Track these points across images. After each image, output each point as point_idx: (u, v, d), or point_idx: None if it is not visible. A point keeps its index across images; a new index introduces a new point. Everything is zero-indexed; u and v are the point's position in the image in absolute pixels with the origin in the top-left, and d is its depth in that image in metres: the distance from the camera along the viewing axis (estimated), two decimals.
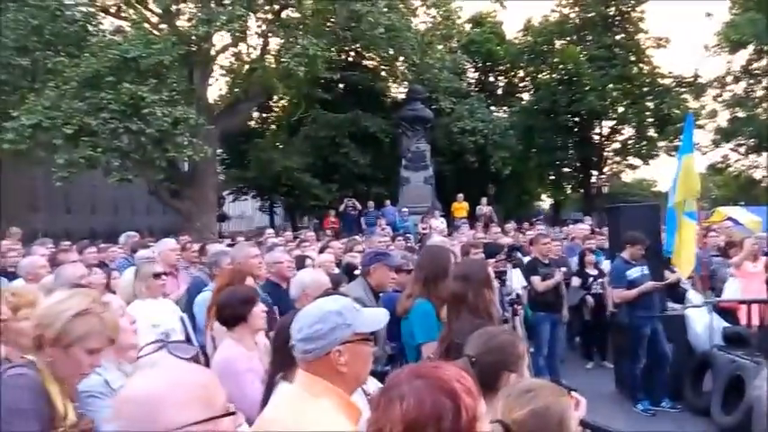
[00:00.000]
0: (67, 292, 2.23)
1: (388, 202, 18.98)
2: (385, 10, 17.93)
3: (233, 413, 1.23)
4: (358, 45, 23.36)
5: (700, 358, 6.51)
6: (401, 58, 21.31)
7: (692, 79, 30.17)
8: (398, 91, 28.59)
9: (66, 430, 1.97)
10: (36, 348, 2.07)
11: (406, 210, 17.85)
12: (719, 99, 30.12)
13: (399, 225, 15.90)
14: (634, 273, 6.59)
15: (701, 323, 6.68)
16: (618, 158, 32.93)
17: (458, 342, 2.74)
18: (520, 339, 2.43)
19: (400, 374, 1.30)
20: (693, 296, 7.36)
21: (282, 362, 2.23)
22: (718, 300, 7.08)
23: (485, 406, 1.31)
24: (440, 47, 21.41)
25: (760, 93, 28.66)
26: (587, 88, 28.08)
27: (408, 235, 11.69)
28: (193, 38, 16.69)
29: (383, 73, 27.46)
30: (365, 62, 27.83)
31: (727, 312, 6.95)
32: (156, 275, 4.09)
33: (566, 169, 32.58)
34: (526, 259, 7.73)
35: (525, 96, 32.78)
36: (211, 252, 5.58)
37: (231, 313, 3.11)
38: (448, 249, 4.28)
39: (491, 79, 33.38)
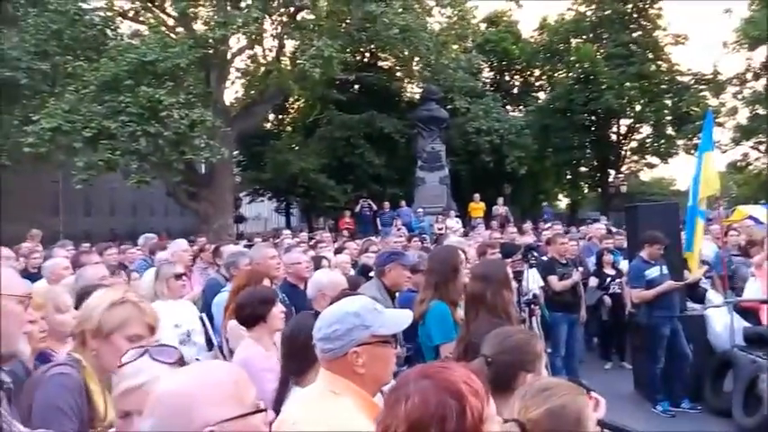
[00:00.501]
0: (102, 290, 2.28)
1: (403, 202, 18.99)
2: (400, 10, 17.94)
3: (264, 410, 1.25)
4: (373, 46, 23.38)
5: (720, 359, 6.43)
6: (416, 59, 21.30)
7: (711, 76, 29.80)
8: (413, 91, 28.60)
9: (105, 430, 2.00)
10: (80, 345, 2.11)
11: (421, 210, 17.84)
12: (739, 96, 29.71)
13: (415, 225, 15.89)
14: (653, 272, 6.53)
15: (722, 323, 6.60)
16: (636, 157, 32.62)
17: (475, 342, 2.74)
18: (536, 338, 2.41)
19: (409, 374, 1.31)
20: (713, 296, 7.27)
21: (294, 367, 2.25)
22: (738, 299, 6.99)
23: (494, 407, 1.30)
24: (455, 47, 21.36)
25: None
26: (604, 87, 27.85)
27: (424, 235, 11.68)
28: (210, 41, 16.83)
29: (398, 73, 27.48)
30: (380, 63, 27.87)
31: (747, 312, 6.84)
32: (177, 276, 4.14)
33: (583, 168, 32.36)
34: (542, 259, 7.69)
35: (541, 96, 32.61)
36: (228, 253, 5.61)
37: (251, 313, 3.15)
38: (456, 248, 4.26)
39: (506, 78, 33.25)
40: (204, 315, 4.29)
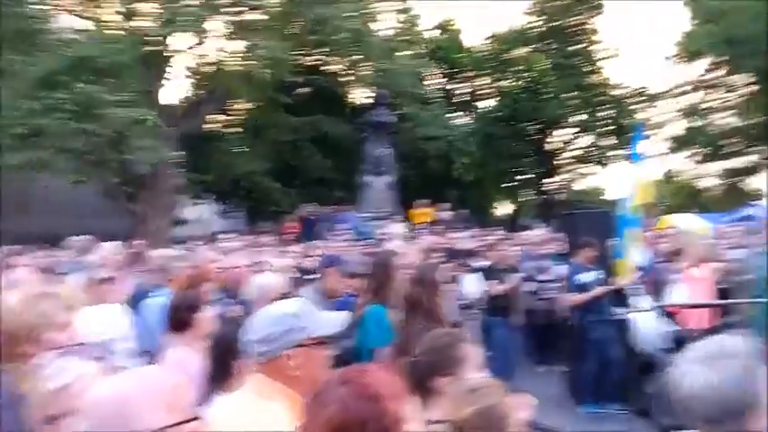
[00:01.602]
0: (11, 295, 2.22)
1: (349, 206, 18.97)
2: (349, 15, 17.95)
3: (198, 417, 1.25)
4: (323, 49, 23.30)
5: (645, 361, 6.70)
6: (365, 63, 21.37)
7: (646, 89, 31.05)
8: (362, 96, 28.65)
9: None
10: (16, 354, 2.04)
11: (367, 215, 17.86)
12: (675, 109, 31.01)
13: (360, 230, 15.90)
14: (587, 277, 6.78)
15: (648, 327, 6.87)
16: (573, 166, 33.64)
17: (409, 344, 2.80)
18: (463, 342, 2.48)
19: (329, 381, 1.35)
20: (641, 300, 7.57)
21: (217, 373, 2.25)
22: (664, 304, 7.30)
23: (414, 407, 1.36)
24: (404, 53, 21.54)
25: (714, 103, 29.60)
26: (548, 96, 28.63)
27: (368, 240, 11.71)
28: (153, 38, 16.42)
29: (347, 77, 27.46)
30: (329, 67, 27.80)
31: (672, 317, 7.17)
32: (103, 281, 4.04)
33: (523, 176, 33.11)
34: (483, 264, 7.87)
35: (487, 103, 33.24)
36: (160, 257, 5.50)
37: (179, 318, 3.11)
38: (393, 253, 4.36)
39: (454, 86, 33.74)
40: (132, 321, 4.19)
